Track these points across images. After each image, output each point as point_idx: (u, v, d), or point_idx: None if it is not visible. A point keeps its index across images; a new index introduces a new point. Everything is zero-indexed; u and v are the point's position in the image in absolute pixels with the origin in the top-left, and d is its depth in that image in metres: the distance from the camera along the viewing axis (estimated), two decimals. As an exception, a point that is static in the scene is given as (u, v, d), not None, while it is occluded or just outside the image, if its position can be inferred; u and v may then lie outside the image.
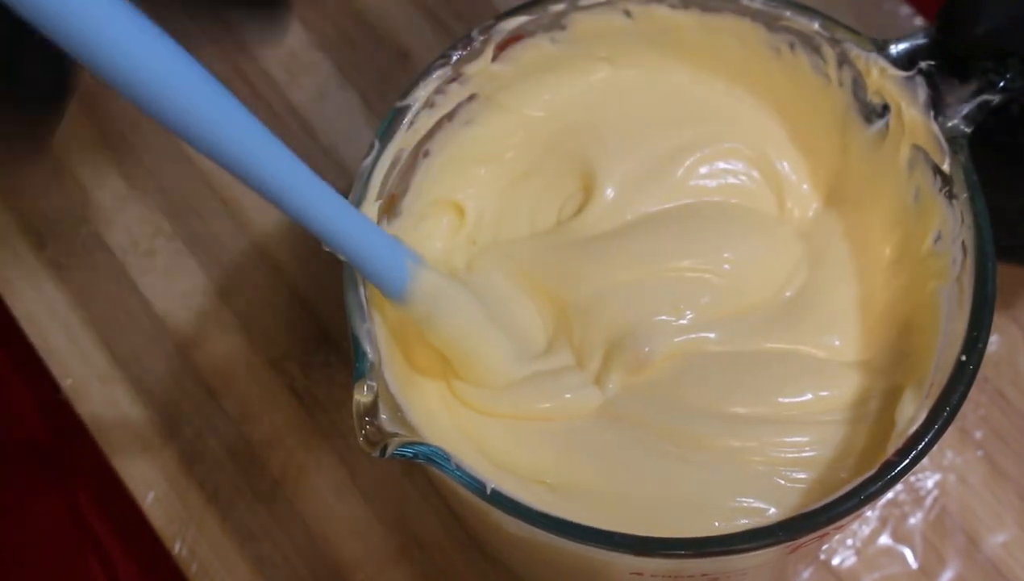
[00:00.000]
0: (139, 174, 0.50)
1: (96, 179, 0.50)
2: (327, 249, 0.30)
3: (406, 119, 0.36)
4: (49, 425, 0.48)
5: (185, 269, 0.48)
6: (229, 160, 0.26)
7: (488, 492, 0.29)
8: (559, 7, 0.37)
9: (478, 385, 0.35)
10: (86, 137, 0.51)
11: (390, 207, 0.36)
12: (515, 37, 0.38)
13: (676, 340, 0.36)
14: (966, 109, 0.34)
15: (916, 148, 0.35)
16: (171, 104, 0.24)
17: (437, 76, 0.36)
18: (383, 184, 0.35)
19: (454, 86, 0.37)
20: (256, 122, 0.26)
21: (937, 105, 0.34)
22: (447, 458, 0.30)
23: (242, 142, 0.26)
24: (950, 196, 0.34)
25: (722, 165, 0.39)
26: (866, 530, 0.43)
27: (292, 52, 0.53)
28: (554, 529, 0.29)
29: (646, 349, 0.35)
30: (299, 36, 0.53)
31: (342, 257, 0.30)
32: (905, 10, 0.52)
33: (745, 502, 0.33)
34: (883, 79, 0.35)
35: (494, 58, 0.38)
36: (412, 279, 0.32)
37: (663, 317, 0.36)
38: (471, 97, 0.38)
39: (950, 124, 0.34)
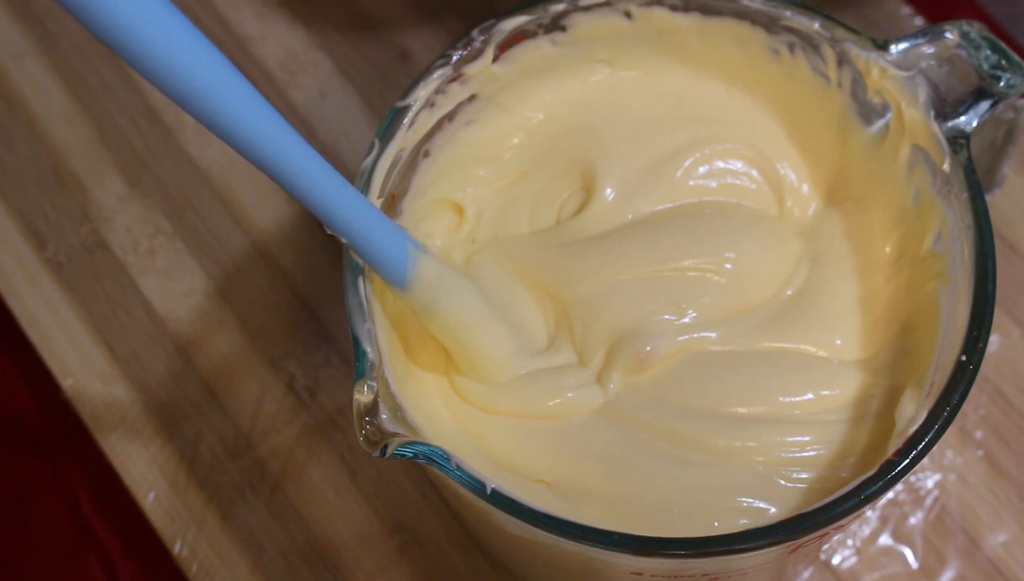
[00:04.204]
0: (139, 174, 0.50)
1: (96, 179, 0.50)
2: (329, 232, 0.30)
3: (406, 119, 0.36)
4: (49, 425, 0.48)
5: (185, 269, 0.48)
6: (237, 138, 0.26)
7: (488, 492, 0.29)
8: (559, 7, 0.37)
9: (479, 380, 0.35)
10: (86, 137, 0.51)
11: (390, 206, 0.36)
12: (516, 38, 0.38)
13: (678, 339, 0.36)
14: (966, 109, 0.34)
15: (916, 148, 0.35)
16: (190, 83, 0.25)
17: (438, 76, 0.36)
18: (383, 184, 0.35)
19: (454, 86, 0.37)
20: (265, 103, 0.27)
21: (937, 105, 0.34)
22: (447, 458, 0.30)
23: (251, 121, 0.26)
24: (950, 196, 0.34)
25: (721, 165, 0.39)
26: (866, 530, 0.43)
27: (292, 52, 0.53)
28: (554, 529, 0.29)
29: (647, 348, 0.35)
30: (299, 36, 0.53)
31: (345, 241, 0.31)
32: (905, 10, 0.52)
33: (745, 502, 0.33)
34: (883, 79, 0.35)
35: (495, 59, 0.38)
36: (414, 266, 0.32)
37: (665, 316, 0.36)
38: (471, 97, 0.38)
39: (950, 124, 0.34)
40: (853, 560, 0.43)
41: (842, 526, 0.31)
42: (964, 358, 0.30)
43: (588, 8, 0.38)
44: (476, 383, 0.35)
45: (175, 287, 0.48)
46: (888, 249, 0.37)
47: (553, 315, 0.37)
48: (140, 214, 0.50)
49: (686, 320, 0.36)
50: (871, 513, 0.43)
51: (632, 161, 0.39)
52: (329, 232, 0.30)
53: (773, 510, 0.33)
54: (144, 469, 0.45)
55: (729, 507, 0.33)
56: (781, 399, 0.35)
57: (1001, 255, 0.47)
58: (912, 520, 0.43)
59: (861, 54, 0.35)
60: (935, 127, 0.34)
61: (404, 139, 0.36)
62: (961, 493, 0.43)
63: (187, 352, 0.47)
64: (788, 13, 0.37)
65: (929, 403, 0.30)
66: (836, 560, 0.43)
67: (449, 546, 0.43)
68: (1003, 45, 0.33)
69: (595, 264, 0.37)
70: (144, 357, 0.47)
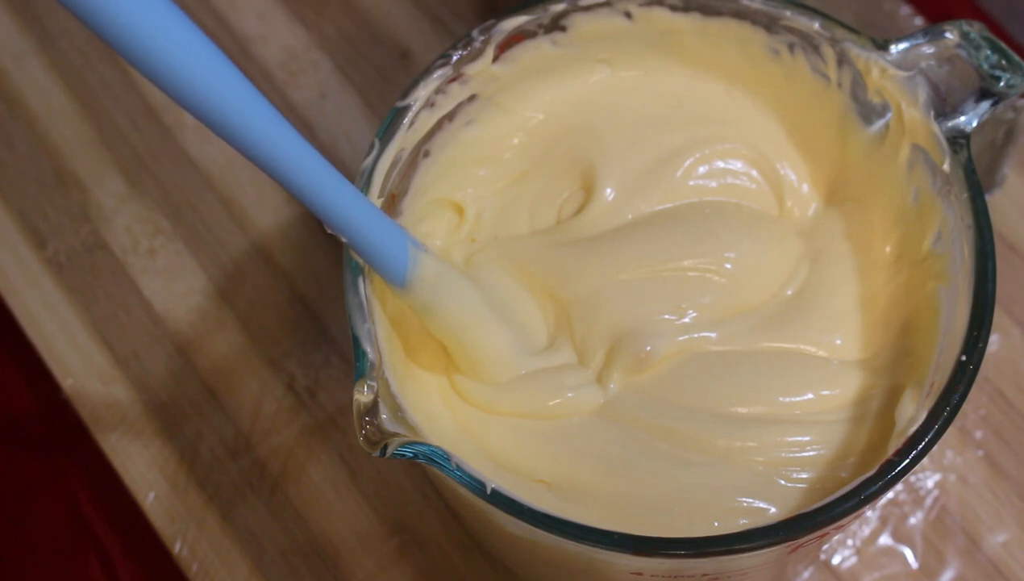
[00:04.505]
0: (139, 174, 0.50)
1: (96, 179, 0.50)
2: (329, 231, 0.30)
3: (406, 119, 0.36)
4: (49, 425, 0.48)
5: (185, 269, 0.48)
6: (236, 137, 0.26)
7: (488, 492, 0.29)
8: (559, 7, 0.37)
9: (479, 379, 0.35)
10: (86, 137, 0.51)
11: (390, 206, 0.36)
12: (516, 38, 0.38)
13: (678, 339, 0.36)
14: (967, 109, 0.34)
15: (916, 148, 0.35)
16: (190, 81, 0.25)
17: (438, 76, 0.36)
18: (383, 184, 0.35)
19: (454, 86, 0.37)
20: (265, 101, 0.27)
21: (937, 105, 0.34)
22: (447, 458, 0.30)
23: (251, 119, 0.26)
24: (950, 196, 0.34)
25: (721, 165, 0.39)
26: (866, 530, 0.43)
27: (292, 52, 0.53)
28: (554, 529, 0.29)
29: (648, 348, 0.35)
30: (299, 36, 0.53)
31: (345, 240, 0.31)
32: (905, 10, 0.52)
33: (745, 502, 0.33)
34: (883, 79, 0.35)
35: (495, 59, 0.38)
36: (414, 265, 0.32)
37: (665, 316, 0.36)
38: (471, 97, 0.38)
39: (950, 124, 0.34)
40: (853, 560, 0.43)
41: (842, 526, 0.31)
42: (964, 358, 0.30)
43: (588, 8, 0.38)
44: (476, 383, 0.35)
45: (175, 287, 0.48)
46: (888, 249, 0.37)
47: (553, 315, 0.37)
48: (140, 214, 0.50)
49: (686, 320, 0.36)
50: (871, 513, 0.43)
51: (632, 161, 0.39)
52: (329, 232, 0.30)
53: (773, 510, 0.33)
54: (144, 469, 0.45)
55: (729, 507, 0.33)
56: (781, 399, 0.35)
57: (1001, 255, 0.47)
58: (912, 520, 0.43)
59: (861, 54, 0.35)
60: (935, 127, 0.34)
61: (404, 139, 0.36)
62: (961, 493, 0.43)
63: (187, 352, 0.47)
64: (788, 13, 0.37)
65: (929, 403, 0.30)
66: (836, 560, 0.43)
67: (449, 546, 0.43)
68: (1003, 45, 0.33)
69: (595, 264, 0.37)
70: (144, 357, 0.47)
